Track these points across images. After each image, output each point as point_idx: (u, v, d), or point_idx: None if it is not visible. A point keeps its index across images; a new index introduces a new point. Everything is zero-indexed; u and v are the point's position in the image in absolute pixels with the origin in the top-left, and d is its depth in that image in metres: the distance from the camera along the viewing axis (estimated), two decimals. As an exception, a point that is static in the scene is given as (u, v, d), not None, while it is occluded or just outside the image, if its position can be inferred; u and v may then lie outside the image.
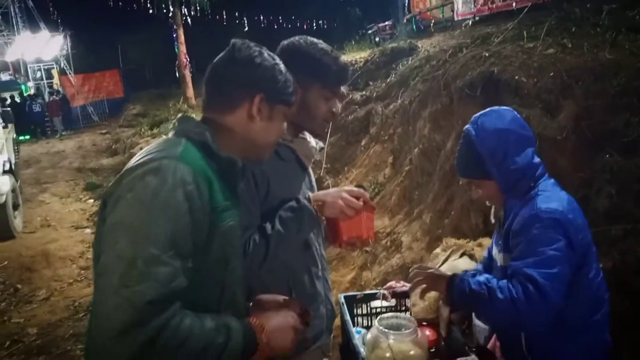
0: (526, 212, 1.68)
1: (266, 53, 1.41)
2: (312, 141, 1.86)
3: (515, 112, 1.85)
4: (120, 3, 18.47)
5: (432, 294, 1.96)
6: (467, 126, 1.84)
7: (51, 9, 21.37)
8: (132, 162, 1.25)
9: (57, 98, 21.10)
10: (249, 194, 1.62)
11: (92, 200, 9.34)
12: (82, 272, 5.82)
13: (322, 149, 1.93)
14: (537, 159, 1.78)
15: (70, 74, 24.22)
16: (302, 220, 1.65)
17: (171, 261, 1.11)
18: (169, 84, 22.52)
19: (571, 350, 1.71)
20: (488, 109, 1.88)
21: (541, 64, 3.90)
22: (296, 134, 1.81)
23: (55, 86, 22.90)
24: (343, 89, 1.83)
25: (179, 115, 1.47)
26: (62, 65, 24.02)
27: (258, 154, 1.46)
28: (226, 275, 1.29)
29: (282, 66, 1.42)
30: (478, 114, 1.86)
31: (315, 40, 1.76)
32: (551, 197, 1.68)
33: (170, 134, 1.36)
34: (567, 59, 3.83)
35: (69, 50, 24.40)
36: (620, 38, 3.87)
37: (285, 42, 1.77)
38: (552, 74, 3.68)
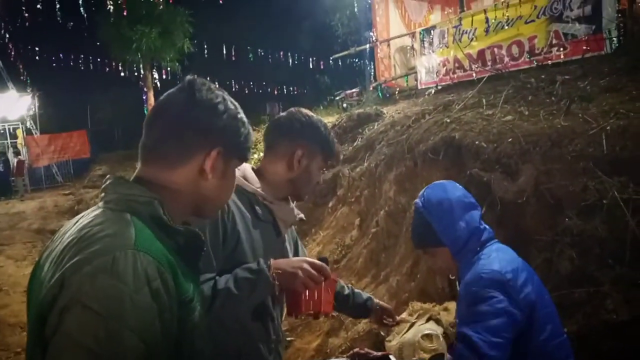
0: (468, 276, 1.74)
1: (229, 100, 1.20)
2: (295, 209, 1.90)
3: (456, 183, 2.01)
4: (91, 65, 18.63)
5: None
6: (415, 200, 1.99)
7: (20, 69, 21.33)
8: (68, 250, 0.98)
9: (23, 159, 20.74)
10: (212, 245, 1.59)
11: (49, 263, 8.97)
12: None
13: (301, 219, 1.95)
14: (483, 225, 1.88)
15: (35, 134, 23.90)
16: (256, 284, 1.60)
17: None
18: (136, 145, 22.46)
19: None
20: (433, 183, 2.03)
21: (500, 129, 4.03)
22: (279, 197, 1.83)
23: (19, 146, 22.49)
24: None
25: (107, 177, 1.16)
26: (28, 125, 23.73)
27: (207, 215, 1.25)
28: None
29: (244, 117, 1.23)
30: (425, 188, 2.00)
31: (320, 118, 1.96)
32: (492, 259, 1.74)
33: (105, 204, 1.08)
34: (524, 125, 3.98)
35: (37, 110, 24.20)
36: (574, 107, 4.05)
37: (293, 111, 1.91)
38: (510, 139, 3.80)
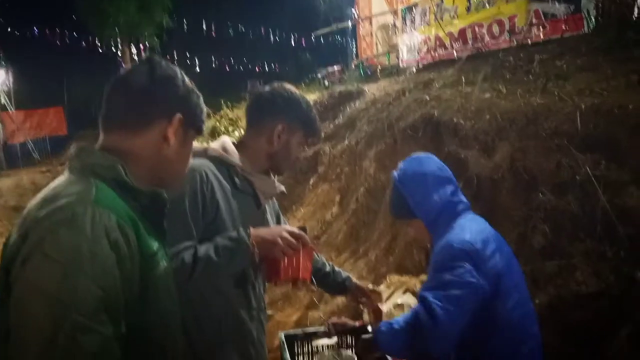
0: (439, 245, 1.78)
1: (184, 75, 1.29)
2: (276, 182, 1.92)
3: (434, 157, 2.01)
4: (67, 40, 18.17)
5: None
6: (393, 172, 2.01)
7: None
8: (32, 211, 1.04)
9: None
10: (192, 214, 1.62)
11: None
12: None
13: (282, 192, 1.98)
14: (457, 197, 1.91)
15: (11, 109, 23.35)
16: (235, 252, 1.64)
17: (101, 328, 0.94)
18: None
19: None
20: (411, 155, 2.04)
21: (478, 107, 4.09)
22: (259, 170, 1.86)
23: (-5, 123, 21.96)
24: None
25: (72, 146, 1.23)
26: (2, 100, 23.16)
27: (167, 182, 1.28)
28: (164, 334, 1.14)
29: (197, 92, 1.31)
30: (402, 161, 2.01)
31: (302, 94, 1.94)
32: (464, 229, 1.78)
33: (69, 172, 1.14)
34: (502, 103, 4.04)
35: (11, 86, 23.60)
36: (550, 85, 4.12)
37: (276, 86, 1.91)
38: (488, 117, 3.86)
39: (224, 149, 1.81)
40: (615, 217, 2.86)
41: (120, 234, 1.01)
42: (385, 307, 2.26)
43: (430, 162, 1.95)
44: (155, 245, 1.13)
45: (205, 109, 1.33)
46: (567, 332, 2.74)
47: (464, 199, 1.93)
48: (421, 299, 1.66)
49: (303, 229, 1.80)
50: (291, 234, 1.71)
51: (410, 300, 2.84)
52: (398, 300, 2.28)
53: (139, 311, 1.04)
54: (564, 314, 2.81)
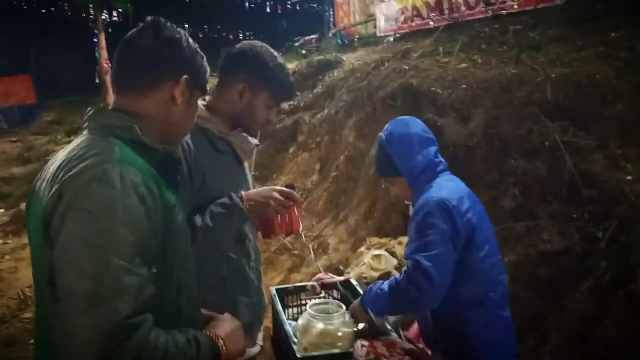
0: (420, 201, 1.93)
1: (189, 37, 1.35)
2: (250, 138, 1.92)
3: (418, 120, 2.15)
4: (34, 4, 17.53)
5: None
6: (380, 133, 2.14)
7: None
8: (62, 169, 1.13)
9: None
10: (180, 183, 1.64)
11: (2, 210, 8.78)
12: (-7, 282, 5.48)
13: (257, 145, 1.99)
14: (438, 158, 2.06)
15: (-24, 77, 22.53)
16: (231, 217, 1.70)
17: (138, 270, 1.05)
18: (86, 91, 21.57)
19: (471, 323, 1.91)
20: (397, 118, 2.17)
21: (455, 76, 4.23)
22: (233, 129, 1.86)
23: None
24: (283, 104, 1.96)
25: (89, 109, 1.31)
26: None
27: (174, 140, 1.38)
28: (182, 274, 1.25)
29: (201, 52, 1.37)
30: (388, 122, 2.14)
31: (274, 52, 1.86)
32: (442, 187, 1.94)
33: (89, 132, 1.24)
34: (477, 72, 4.18)
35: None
36: (524, 55, 4.27)
37: (246, 43, 1.87)
38: (464, 86, 4.00)
39: (198, 115, 1.76)
40: (581, 181, 3.06)
41: (145, 188, 1.11)
42: (365, 258, 2.41)
43: (415, 124, 2.08)
44: (173, 198, 1.23)
45: (208, 69, 1.39)
46: (535, 286, 2.96)
47: (443, 160, 2.07)
48: (414, 264, 1.80)
49: (291, 186, 1.87)
50: (281, 193, 1.77)
51: (391, 261, 2.98)
52: (375, 252, 2.42)
53: (163, 256, 1.15)
54: (532, 270, 3.02)
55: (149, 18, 1.32)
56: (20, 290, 5.08)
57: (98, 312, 0.99)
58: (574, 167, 3.15)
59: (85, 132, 1.25)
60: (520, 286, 2.96)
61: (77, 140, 1.23)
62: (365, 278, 2.38)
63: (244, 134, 1.89)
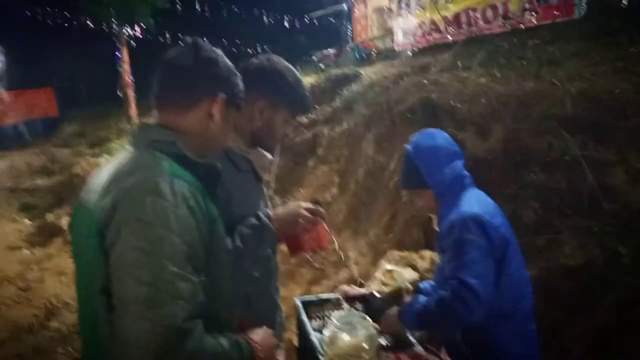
0: (452, 216, 1.94)
1: (225, 57, 1.42)
2: (267, 154, 1.92)
3: (445, 133, 2.16)
4: (58, 20, 17.94)
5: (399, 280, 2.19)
6: (406, 145, 2.15)
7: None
8: (114, 182, 1.19)
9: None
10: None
11: (28, 221, 8.98)
12: (22, 293, 5.62)
13: (274, 161, 1.99)
14: (465, 172, 2.07)
15: (1, 90, 23.09)
16: (261, 238, 1.70)
17: (191, 277, 1.11)
18: (107, 103, 21.98)
19: (500, 336, 1.93)
20: (423, 130, 2.18)
21: (474, 91, 4.27)
22: (252, 146, 1.86)
23: (-16, 103, 21.71)
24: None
25: (136, 125, 1.36)
26: (-8, 81, 22.84)
27: (210, 154, 1.43)
28: (222, 283, 1.30)
29: (236, 72, 1.44)
30: (415, 134, 2.16)
31: (291, 67, 1.87)
32: (473, 202, 1.95)
33: (135, 147, 1.31)
34: (496, 87, 4.23)
35: (1, 66, 23.28)
36: (543, 70, 4.31)
37: (264, 58, 1.85)
38: (483, 100, 4.04)
39: None
40: (601, 194, 3.08)
41: (194, 201, 1.18)
42: (377, 274, 2.43)
43: (442, 137, 2.09)
44: (215, 210, 1.29)
45: (242, 87, 1.47)
46: (556, 300, 2.96)
47: (468, 174, 2.08)
48: (460, 282, 1.80)
49: (316, 202, 1.88)
50: (308, 210, 1.76)
51: (412, 275, 2.97)
52: (387, 266, 2.43)
53: (207, 265, 1.21)
54: (553, 284, 3.03)
55: (187, 38, 1.40)
56: (47, 299, 5.20)
57: (155, 316, 1.04)
58: (594, 180, 3.17)
59: (130, 147, 1.33)
60: (542, 300, 2.96)
61: (124, 155, 1.30)
62: (379, 293, 2.38)
63: (261, 150, 1.89)
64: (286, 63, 1.88)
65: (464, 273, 1.82)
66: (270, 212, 1.77)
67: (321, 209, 1.84)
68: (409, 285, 2.17)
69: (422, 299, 1.99)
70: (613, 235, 2.97)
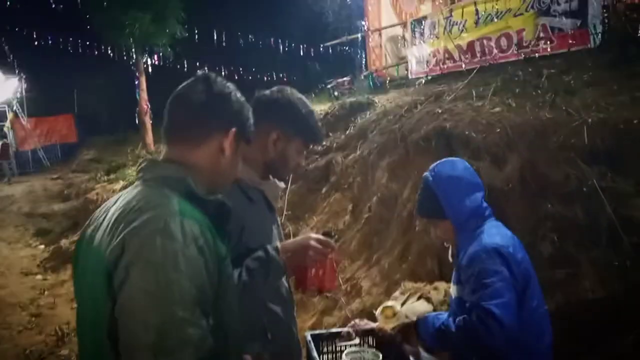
0: (473, 247, 1.91)
1: (237, 90, 1.42)
2: (280, 183, 1.95)
3: (466, 162, 2.13)
4: (79, 48, 18.42)
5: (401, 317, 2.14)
6: (426, 173, 2.10)
7: (6, 50, 21.02)
8: (121, 222, 1.16)
9: (7, 142, 20.49)
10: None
11: (42, 246, 9.06)
12: (33, 319, 5.62)
13: (284, 189, 2.04)
14: (484, 203, 2.03)
15: (22, 117, 23.63)
16: (268, 271, 1.68)
17: (199, 322, 1.09)
18: (125, 130, 22.34)
19: None
20: (444, 159, 2.14)
21: (489, 120, 4.24)
22: (264, 176, 1.88)
23: (6, 129, 22.22)
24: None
25: (143, 160, 1.38)
26: (14, 108, 23.42)
27: (219, 188, 1.41)
28: (230, 324, 1.27)
29: (247, 105, 1.45)
30: (435, 163, 2.11)
31: (303, 97, 1.89)
32: (494, 234, 1.92)
33: (144, 183, 1.28)
34: (511, 116, 4.19)
35: (23, 93, 23.88)
36: (558, 99, 4.27)
37: (276, 90, 1.88)
38: (498, 130, 4.01)
39: None
40: (621, 226, 3.00)
41: (204, 240, 1.15)
42: (376, 312, 2.36)
43: (464, 167, 2.06)
44: (224, 249, 1.27)
45: (252, 120, 1.46)
46: (576, 336, 2.87)
47: (488, 206, 2.05)
48: (484, 311, 1.76)
49: (328, 233, 1.86)
50: (318, 241, 1.73)
51: (427, 308, 2.88)
52: (417, 308, 2.36)
53: (215, 305, 1.19)
54: (572, 319, 2.94)
55: (200, 72, 1.39)
56: (57, 326, 5.19)
57: None
58: (613, 212, 3.10)
59: (139, 182, 1.31)
60: (561, 334, 2.87)
61: (133, 191, 1.28)
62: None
63: (273, 180, 1.91)
64: (299, 94, 1.90)
65: (489, 304, 1.77)
66: (279, 244, 1.75)
67: (331, 241, 1.80)
68: (413, 318, 2.11)
69: (442, 315, 1.95)
70: (634, 268, 2.88)
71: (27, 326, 5.47)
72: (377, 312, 2.29)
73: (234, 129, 1.35)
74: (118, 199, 1.30)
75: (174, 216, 1.14)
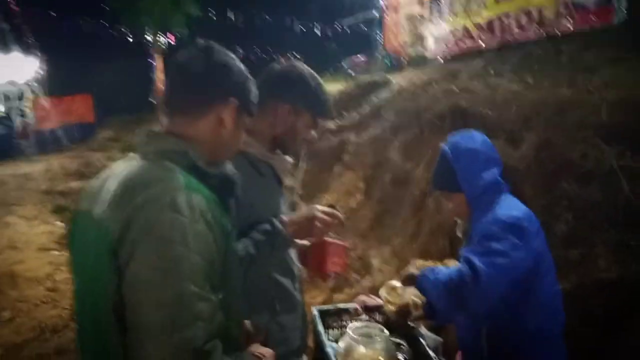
0: (486, 219, 1.84)
1: (239, 61, 1.37)
2: (288, 158, 1.93)
3: (485, 136, 2.04)
4: (96, 29, 18.51)
5: (405, 296, 2.10)
6: (443, 145, 2.03)
7: (26, 31, 21.20)
8: (124, 197, 1.11)
9: (28, 121, 20.79)
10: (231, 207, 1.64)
11: (60, 223, 9.18)
12: (49, 293, 5.72)
13: (294, 164, 2.00)
14: (501, 179, 1.95)
15: (41, 96, 23.89)
16: (274, 244, 1.68)
17: (210, 296, 1.07)
18: (141, 110, 22.49)
19: (533, 356, 1.83)
20: (463, 131, 2.08)
21: (506, 98, 4.15)
22: (272, 150, 1.86)
23: (26, 108, 22.51)
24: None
25: (142, 132, 1.31)
26: (33, 88, 23.70)
27: (220, 160, 1.36)
28: (233, 298, 1.24)
29: (250, 76, 1.40)
30: (454, 135, 2.05)
31: (312, 71, 1.86)
32: (510, 207, 1.86)
33: (145, 156, 1.23)
34: (529, 94, 4.09)
35: (43, 73, 24.12)
36: (578, 77, 4.15)
37: (286, 64, 1.87)
38: (515, 108, 3.92)
39: None
40: (638, 207, 2.92)
41: (211, 215, 1.12)
42: (381, 293, 2.33)
43: (483, 140, 1.98)
44: (229, 224, 1.22)
45: (257, 92, 1.41)
46: (590, 317, 2.82)
47: (504, 182, 1.97)
48: (466, 260, 1.72)
49: (332, 206, 1.85)
50: (324, 213, 1.73)
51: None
52: (391, 283, 2.32)
53: (223, 280, 1.16)
54: (587, 300, 2.89)
55: (200, 41, 1.34)
56: (72, 300, 5.26)
57: (176, 340, 0.99)
58: (631, 192, 3.01)
59: (137, 155, 1.26)
60: (574, 317, 2.82)
61: (131, 164, 1.22)
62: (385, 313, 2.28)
63: (282, 155, 1.89)
64: (308, 68, 1.87)
65: (474, 255, 1.72)
66: (285, 218, 1.74)
67: (337, 212, 1.79)
68: (417, 300, 2.06)
69: (436, 270, 1.90)
70: (651, 250, 2.81)
71: (43, 300, 5.57)
72: (381, 291, 2.26)
73: (234, 100, 1.31)
74: (114, 172, 1.24)
75: (181, 190, 1.10)
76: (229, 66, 1.32)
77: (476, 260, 1.70)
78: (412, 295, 2.10)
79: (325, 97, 1.86)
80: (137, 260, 1.04)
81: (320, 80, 1.87)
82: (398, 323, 2.10)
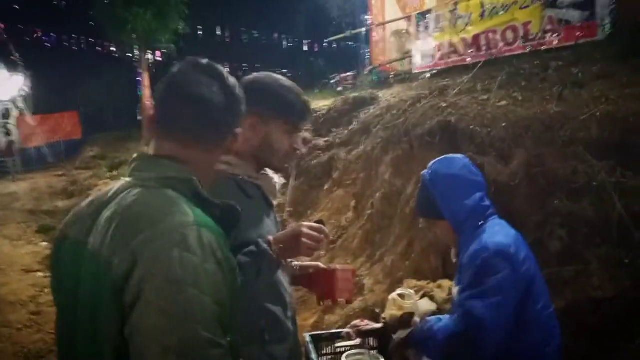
0: (473, 247, 1.82)
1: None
2: (275, 177, 1.87)
3: (467, 160, 2.02)
4: (82, 45, 18.43)
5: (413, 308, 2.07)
6: (423, 171, 2.03)
7: (11, 48, 21.07)
8: (126, 229, 1.03)
9: (12, 139, 20.55)
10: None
11: (45, 244, 9.02)
12: (33, 317, 5.58)
13: (283, 183, 1.93)
14: (486, 202, 1.94)
15: (26, 114, 23.66)
16: (261, 265, 1.60)
17: (221, 341, 0.99)
18: (128, 127, 22.34)
19: None
20: (443, 156, 2.05)
21: (494, 114, 4.14)
22: (259, 170, 1.80)
23: (10, 126, 22.26)
24: (306, 132, 1.91)
25: (136, 156, 1.23)
26: (19, 105, 23.48)
27: (209, 183, 1.28)
28: (237, 336, 1.17)
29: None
30: (434, 160, 2.03)
31: (279, 77, 1.80)
32: (496, 233, 1.83)
33: (144, 182, 1.13)
34: (518, 110, 4.09)
35: (28, 91, 23.92)
36: (566, 92, 4.16)
37: (249, 77, 1.79)
38: (504, 124, 3.91)
39: (226, 161, 1.69)
40: (632, 223, 2.90)
41: (222, 252, 1.06)
42: (390, 296, 2.28)
43: (463, 164, 1.96)
44: (234, 258, 1.16)
45: None
46: (585, 335, 2.78)
47: (489, 203, 1.95)
48: (467, 310, 1.70)
49: (320, 222, 1.76)
50: (311, 228, 1.65)
51: (430, 306, 2.83)
52: (421, 306, 2.28)
53: (231, 318, 1.09)
54: (582, 318, 2.85)
55: (201, 61, 1.23)
56: (57, 324, 5.13)
57: None
58: (623, 208, 3.00)
59: (134, 181, 1.16)
60: (569, 335, 2.79)
61: (130, 192, 1.12)
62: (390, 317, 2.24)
63: (269, 174, 1.83)
64: (273, 75, 1.80)
65: (474, 302, 1.70)
66: (270, 238, 1.66)
67: (324, 228, 1.70)
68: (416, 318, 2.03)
69: (428, 324, 1.87)
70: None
71: (27, 324, 5.43)
72: (392, 295, 2.21)
73: (239, 129, 1.26)
74: (109, 196, 1.15)
75: (191, 227, 1.02)
76: (239, 97, 1.26)
77: (476, 310, 1.68)
78: (418, 304, 2.08)
79: (294, 99, 1.76)
80: (144, 302, 0.96)
81: (290, 84, 1.79)
82: (395, 330, 2.04)
